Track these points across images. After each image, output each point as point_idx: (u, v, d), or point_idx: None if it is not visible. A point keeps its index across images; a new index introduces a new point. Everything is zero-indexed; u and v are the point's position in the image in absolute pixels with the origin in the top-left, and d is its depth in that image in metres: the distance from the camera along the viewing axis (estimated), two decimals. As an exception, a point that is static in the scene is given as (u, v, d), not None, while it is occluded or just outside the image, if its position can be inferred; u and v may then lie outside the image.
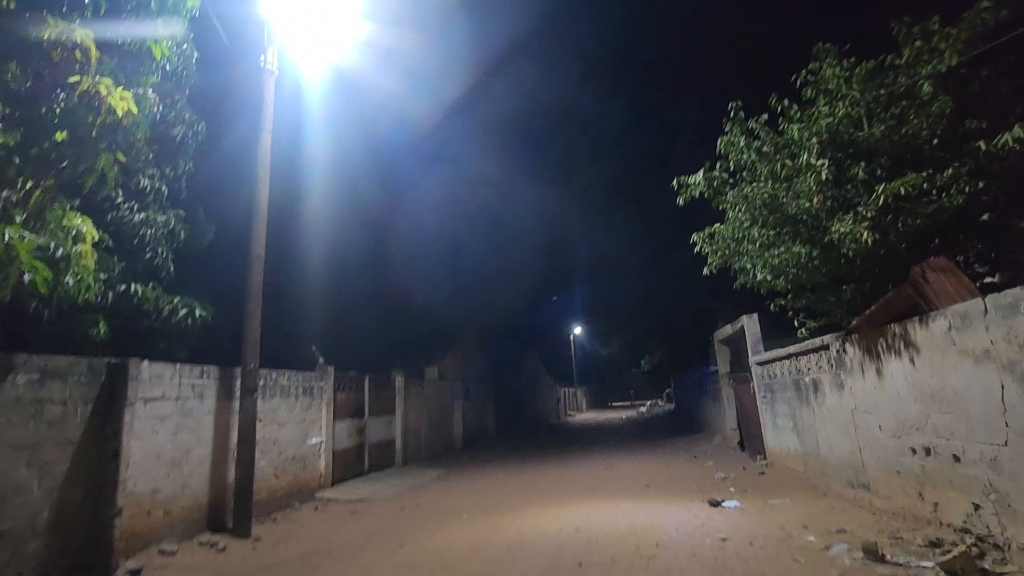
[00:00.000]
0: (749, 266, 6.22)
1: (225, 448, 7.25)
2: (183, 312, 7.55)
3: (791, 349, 8.36)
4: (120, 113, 4.02)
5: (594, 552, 5.35)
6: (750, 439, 11.66)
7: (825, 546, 5.00)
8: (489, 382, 22.02)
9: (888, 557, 4.42)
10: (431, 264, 18.38)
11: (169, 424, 6.42)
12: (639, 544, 5.55)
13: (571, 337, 43.20)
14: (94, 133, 4.34)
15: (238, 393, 7.28)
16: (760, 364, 10.39)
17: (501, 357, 24.00)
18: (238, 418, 7.18)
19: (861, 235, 4.66)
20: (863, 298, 5.71)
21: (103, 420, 5.59)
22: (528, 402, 27.40)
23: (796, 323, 6.70)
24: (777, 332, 10.44)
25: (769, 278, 6.01)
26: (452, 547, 5.85)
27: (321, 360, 10.38)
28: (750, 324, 10.87)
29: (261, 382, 8.13)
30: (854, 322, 5.73)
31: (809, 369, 7.76)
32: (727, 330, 12.63)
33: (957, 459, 4.50)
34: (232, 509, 6.92)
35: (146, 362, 6.18)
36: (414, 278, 17.27)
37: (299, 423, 9.09)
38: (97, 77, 3.99)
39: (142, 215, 6.74)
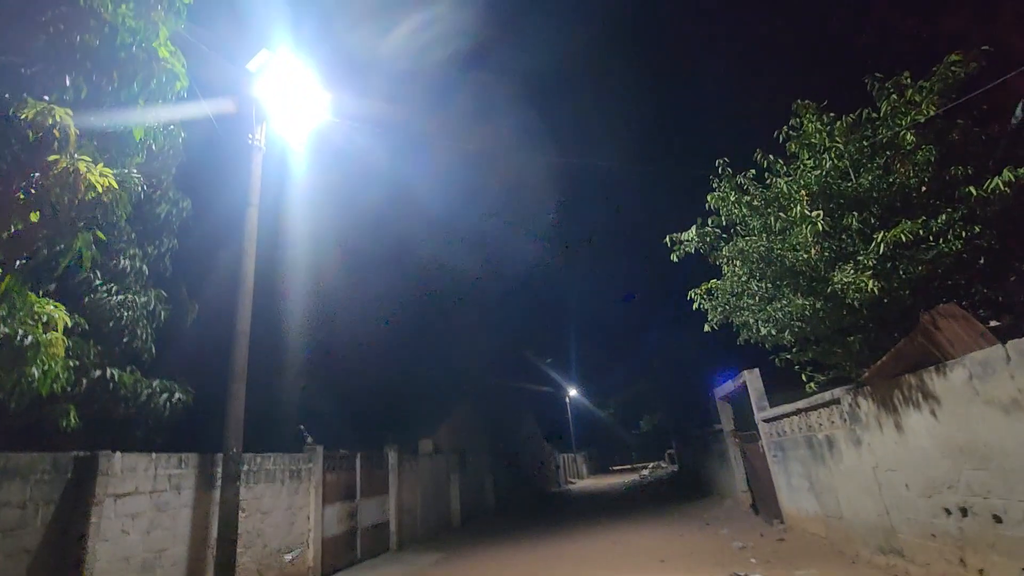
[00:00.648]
0: (751, 320, 6.06)
1: (204, 544, 6.64)
2: (162, 396, 7.17)
3: (800, 404, 8.07)
4: (100, 190, 3.88)
5: (614, 647, 4.80)
6: (764, 501, 11.08)
7: (868, 627, 4.53)
8: (486, 452, 21.15)
9: (942, 638, 3.98)
10: (423, 335, 18.08)
11: (141, 522, 5.88)
12: (663, 635, 5.00)
13: (567, 400, 42.31)
14: (72, 212, 4.18)
15: (219, 482, 6.77)
16: (767, 421, 10.03)
17: (497, 426, 23.22)
18: (218, 509, 6.63)
19: (865, 284, 4.55)
20: (871, 348, 5.54)
21: (66, 524, 5.08)
22: (527, 471, 26.30)
23: (803, 377, 6.48)
24: (782, 386, 10.17)
25: (773, 332, 5.84)
26: (455, 649, 5.24)
27: (310, 440, 9.85)
28: (752, 380, 10.60)
29: (244, 467, 7.61)
30: (865, 374, 5.52)
31: (821, 425, 7.45)
32: (728, 386, 12.32)
33: (998, 519, 4.16)
34: (208, 619, 6.25)
35: (118, 454, 5.73)
36: (406, 350, 16.93)
37: (285, 510, 8.46)
38: (76, 155, 3.87)
39: (121, 297, 6.50)
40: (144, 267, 6.92)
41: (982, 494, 4.31)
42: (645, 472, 34.84)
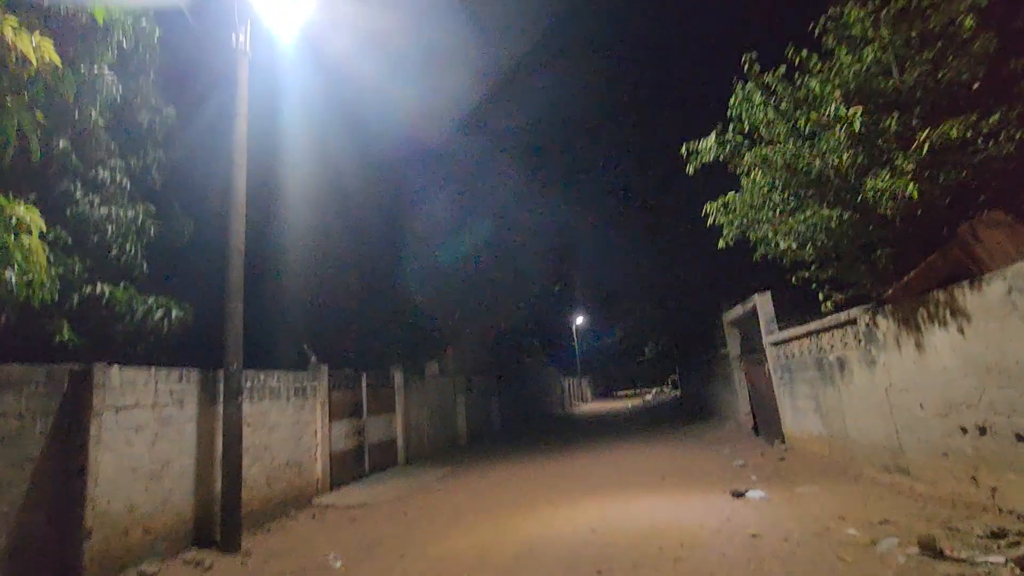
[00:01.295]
0: (771, 235, 5.68)
1: (210, 457, 6.74)
2: (159, 313, 7.03)
3: (812, 326, 7.85)
4: (36, 63, 3.40)
5: (614, 557, 4.85)
6: (766, 423, 11.18)
7: (871, 540, 4.49)
8: (492, 375, 21.54)
9: (948, 552, 3.92)
10: (429, 256, 17.81)
11: (146, 434, 5.91)
12: (662, 545, 5.05)
13: (574, 327, 42.72)
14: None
15: (222, 397, 6.78)
16: (775, 344, 9.88)
17: (504, 350, 23.49)
18: (223, 424, 6.67)
19: (905, 188, 4.13)
20: (897, 265, 5.19)
21: (66, 434, 5.07)
22: (533, 394, 26.95)
23: (821, 296, 6.17)
24: (791, 312, 9.93)
25: (794, 246, 5.48)
26: (457, 556, 5.35)
27: (314, 359, 9.86)
28: (762, 303, 10.35)
29: (248, 384, 7.62)
30: (889, 292, 5.21)
31: (833, 347, 7.25)
32: (737, 311, 12.11)
33: (1021, 438, 3.98)
34: (220, 523, 6.42)
35: (116, 367, 5.65)
36: (411, 271, 16.72)
37: (292, 426, 8.58)
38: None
39: (104, 210, 6.19)
40: (126, 180, 6.56)
41: (1005, 413, 4.11)
42: (648, 397, 35.74)
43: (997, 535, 4.07)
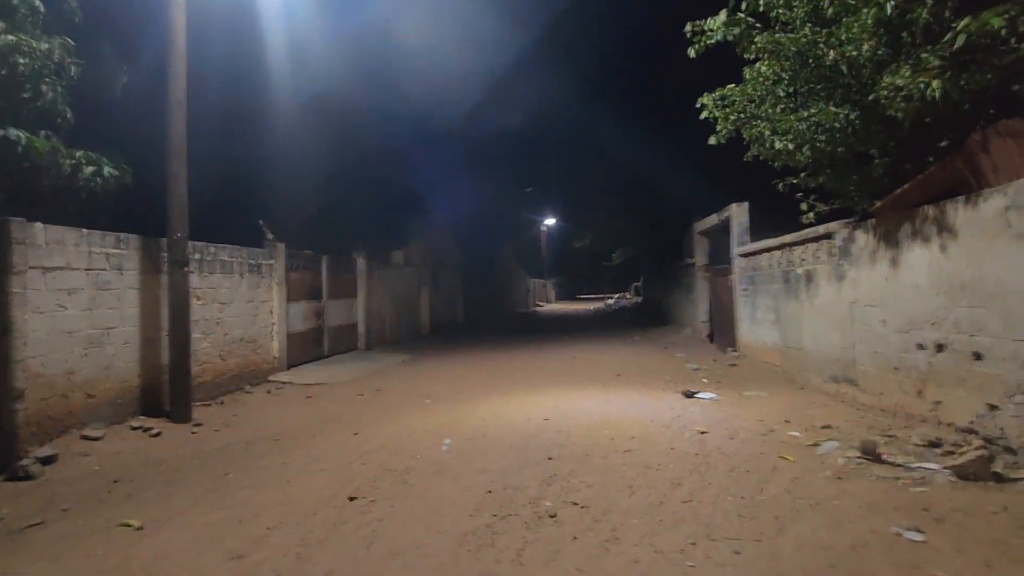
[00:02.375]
0: (767, 134, 5.28)
1: (156, 327, 6.42)
2: (89, 170, 6.30)
3: (786, 239, 7.75)
4: None
5: (565, 444, 4.93)
6: (722, 332, 11.50)
7: (813, 443, 4.66)
8: (459, 270, 21.40)
9: (885, 456, 4.07)
10: (399, 141, 16.69)
11: (80, 298, 5.48)
12: (613, 436, 5.15)
13: (542, 228, 42.46)
14: None
15: (167, 267, 6.33)
16: (744, 256, 9.86)
17: (472, 245, 23.15)
18: (168, 294, 6.29)
19: (924, 87, 3.75)
20: (893, 178, 4.94)
21: (-16, 291, 4.62)
22: (498, 292, 27.18)
23: (804, 207, 5.96)
24: (761, 227, 9.79)
25: (790, 147, 5.12)
26: (411, 436, 5.37)
27: (270, 236, 9.33)
28: (738, 213, 10.18)
29: (197, 256, 7.14)
30: (878, 204, 5.02)
31: (804, 260, 7.20)
32: (711, 220, 11.96)
33: (978, 357, 4.02)
34: (169, 392, 6.26)
35: (39, 224, 5.08)
36: (379, 155, 15.71)
37: (246, 303, 8.26)
38: None
39: (11, 38, 5.22)
40: (39, 2, 5.51)
41: (969, 331, 4.12)
42: (610, 301, 36.63)
43: (934, 444, 4.24)
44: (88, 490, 4.07)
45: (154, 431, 5.65)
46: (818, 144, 4.89)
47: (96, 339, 5.65)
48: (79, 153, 6.20)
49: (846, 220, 5.94)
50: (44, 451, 4.74)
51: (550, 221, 41.63)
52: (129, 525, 3.38)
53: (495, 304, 25.66)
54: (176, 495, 3.94)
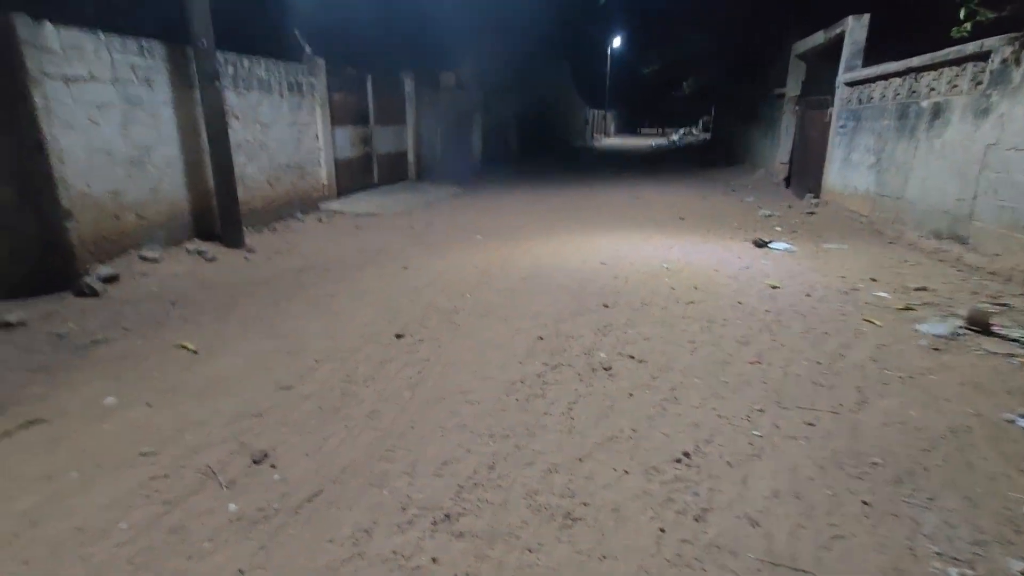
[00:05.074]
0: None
1: (198, 148, 6.14)
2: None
3: (912, 62, 6.29)
4: None
5: (622, 292, 4.62)
6: (802, 175, 10.31)
7: (904, 306, 4.13)
8: (513, 96, 19.70)
9: (997, 329, 3.54)
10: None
11: (112, 114, 5.15)
12: (674, 286, 4.78)
13: (608, 51, 37.88)
14: None
15: (197, 81, 5.82)
16: (851, 84, 8.30)
17: (529, 68, 20.91)
18: (203, 111, 5.88)
19: None
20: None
21: (10, 102, 4.32)
22: (555, 122, 25.32)
23: (962, 13, 4.61)
24: (874, 54, 7.98)
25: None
26: (461, 273, 5.19)
27: (308, 50, 8.47)
28: (855, 29, 8.32)
29: (231, 70, 6.56)
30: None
31: (933, 90, 5.88)
32: (816, 38, 9.98)
33: None
34: (219, 218, 6.21)
35: (47, 23, 4.54)
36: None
37: (289, 126, 7.79)
38: None
39: None
40: None
41: None
42: (675, 137, 33.96)
43: (1058, 318, 3.65)
44: (148, 311, 4.16)
45: (209, 255, 5.70)
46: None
47: (137, 160, 5.44)
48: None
49: (1011, 34, 4.59)
50: (106, 270, 4.85)
51: (617, 42, 37.00)
52: (186, 348, 3.43)
53: (552, 135, 24.07)
54: (230, 321, 3.97)
